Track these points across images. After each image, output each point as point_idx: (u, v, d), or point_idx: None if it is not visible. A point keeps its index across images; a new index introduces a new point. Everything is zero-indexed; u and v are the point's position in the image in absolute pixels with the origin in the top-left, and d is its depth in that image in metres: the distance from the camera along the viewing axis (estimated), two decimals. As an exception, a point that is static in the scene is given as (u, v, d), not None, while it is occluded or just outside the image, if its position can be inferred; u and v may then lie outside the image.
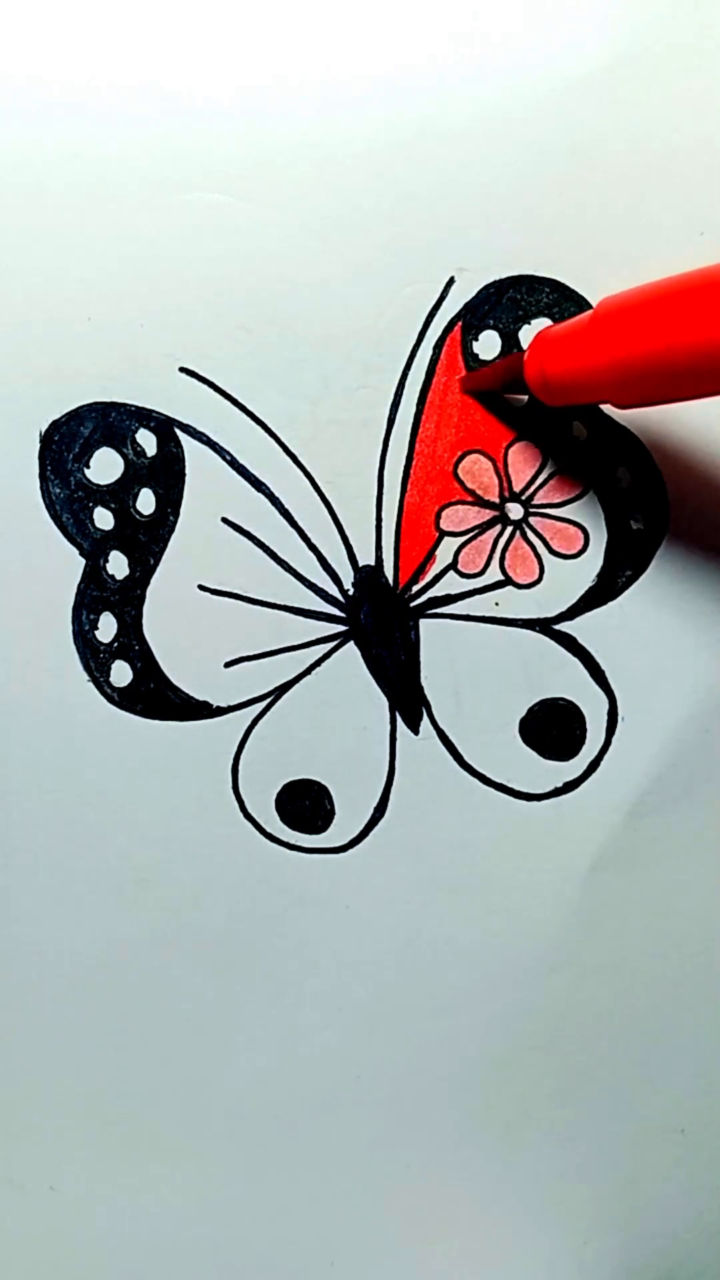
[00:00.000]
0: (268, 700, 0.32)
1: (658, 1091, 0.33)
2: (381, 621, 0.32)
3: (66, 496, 0.32)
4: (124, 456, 0.32)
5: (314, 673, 0.32)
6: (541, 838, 0.32)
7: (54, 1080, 0.34)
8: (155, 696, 0.32)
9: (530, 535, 0.31)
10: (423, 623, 0.32)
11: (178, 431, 0.32)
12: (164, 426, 0.32)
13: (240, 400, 0.31)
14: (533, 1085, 0.33)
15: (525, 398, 0.31)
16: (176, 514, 0.32)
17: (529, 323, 0.31)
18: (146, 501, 0.32)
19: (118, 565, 0.32)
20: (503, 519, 0.31)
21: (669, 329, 0.24)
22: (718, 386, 0.24)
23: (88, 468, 0.32)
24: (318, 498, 0.32)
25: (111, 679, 0.32)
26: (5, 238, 0.31)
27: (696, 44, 0.30)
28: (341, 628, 0.32)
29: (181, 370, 0.31)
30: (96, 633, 0.32)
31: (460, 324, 0.31)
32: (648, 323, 0.25)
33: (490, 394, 0.31)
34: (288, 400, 0.31)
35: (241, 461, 0.32)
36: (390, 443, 0.31)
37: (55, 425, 0.32)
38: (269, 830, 0.33)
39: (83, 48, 0.31)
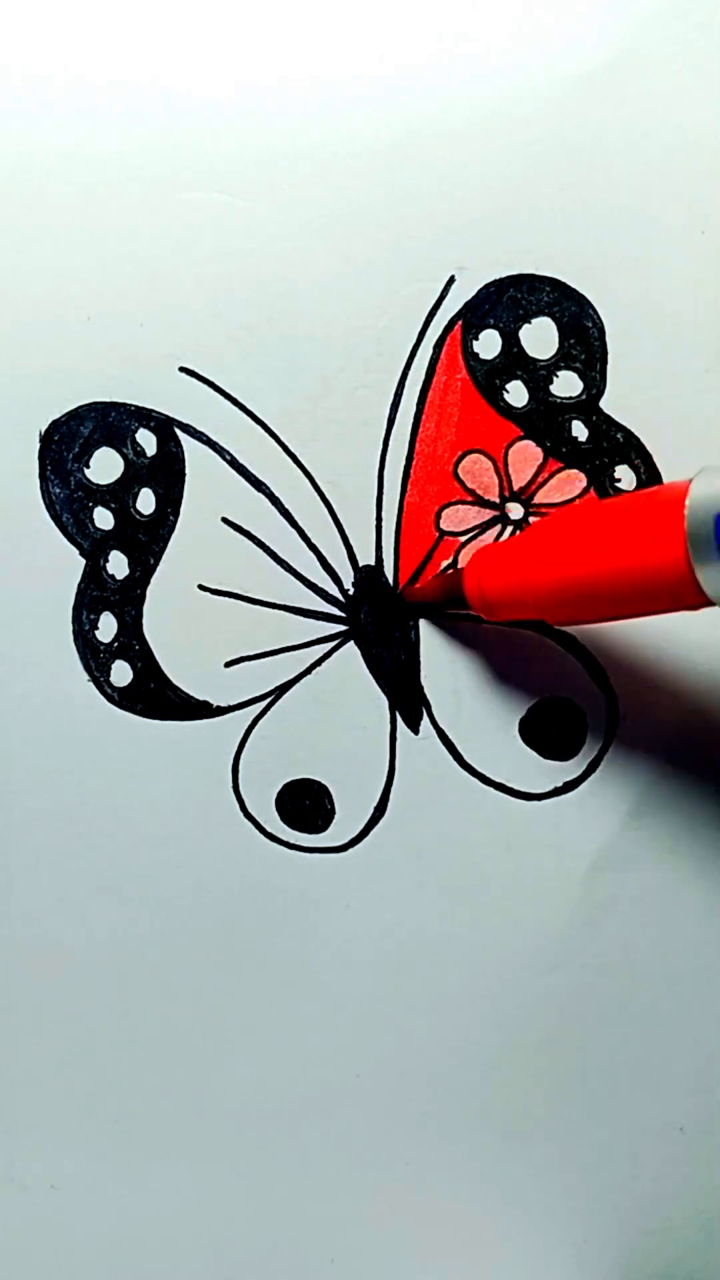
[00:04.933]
0: (268, 700, 0.32)
1: (657, 1089, 0.33)
2: (382, 621, 0.32)
3: (66, 496, 0.32)
4: (124, 456, 0.32)
5: (314, 672, 0.32)
6: (541, 838, 0.32)
7: (55, 1080, 0.34)
8: (155, 696, 0.32)
9: (530, 535, 0.31)
10: (423, 622, 0.32)
11: (178, 431, 0.32)
12: (164, 426, 0.32)
13: (240, 400, 0.31)
14: (532, 1083, 0.33)
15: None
16: (176, 514, 0.32)
17: (529, 322, 0.31)
18: (146, 501, 0.32)
19: (118, 565, 0.32)
20: (503, 519, 0.31)
21: (598, 551, 0.25)
22: (643, 608, 0.25)
23: (88, 468, 0.32)
24: (318, 498, 0.32)
25: (112, 679, 0.32)
26: (5, 238, 0.31)
27: (697, 43, 0.30)
28: (342, 627, 0.32)
29: (181, 370, 0.31)
30: (96, 633, 0.32)
31: (460, 323, 0.31)
32: (577, 544, 0.25)
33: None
34: (288, 400, 0.31)
35: (241, 461, 0.32)
36: (390, 442, 0.31)
37: (55, 425, 0.32)
38: (269, 830, 0.33)
39: (83, 47, 0.30)
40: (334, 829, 0.32)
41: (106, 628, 0.32)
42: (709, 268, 0.31)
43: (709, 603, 0.23)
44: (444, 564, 0.32)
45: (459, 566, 0.32)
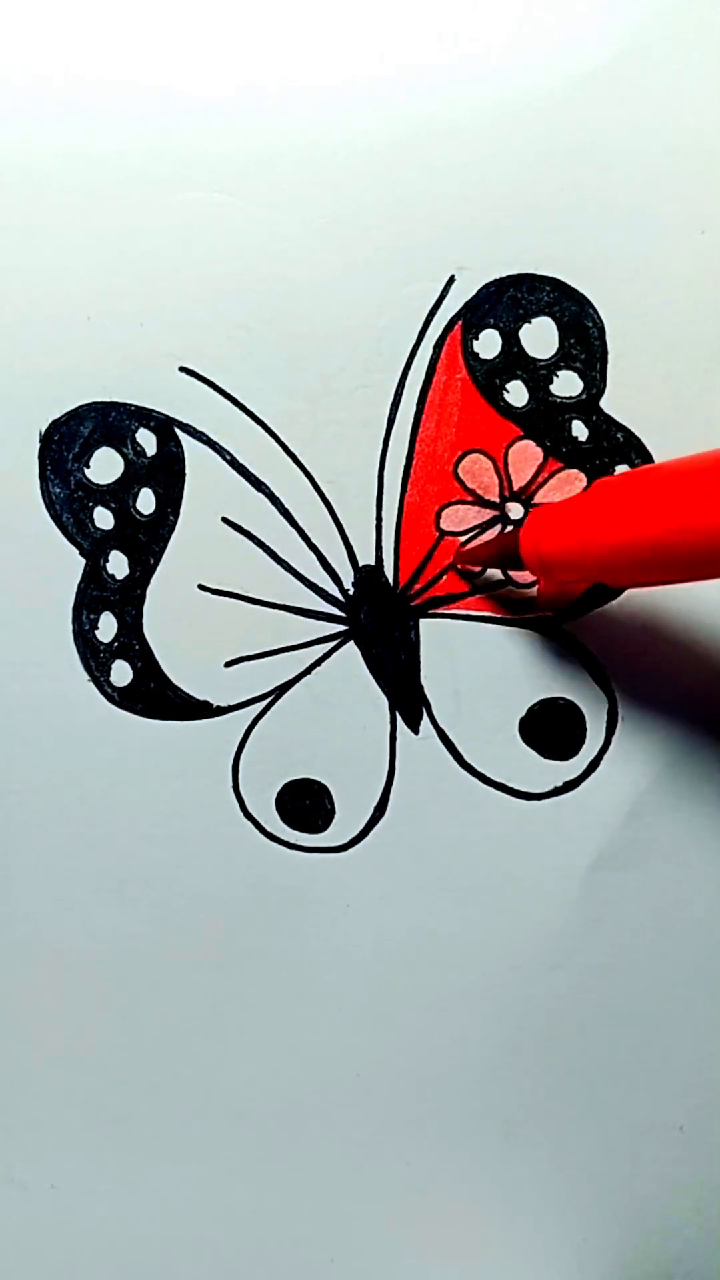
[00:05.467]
0: (268, 700, 0.32)
1: (656, 1088, 0.33)
2: (381, 621, 0.32)
3: (66, 496, 0.32)
4: (124, 456, 0.32)
5: (314, 672, 0.32)
6: (541, 837, 0.32)
7: (55, 1079, 0.34)
8: (155, 696, 0.32)
9: (530, 535, 0.31)
10: (423, 622, 0.32)
11: (178, 431, 0.32)
12: (164, 426, 0.32)
13: (240, 400, 0.31)
14: (532, 1082, 0.33)
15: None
16: (176, 514, 0.32)
17: (529, 321, 0.31)
18: (146, 501, 0.32)
19: (118, 565, 0.32)
20: (503, 518, 0.31)
21: (665, 512, 0.24)
22: (712, 571, 0.24)
23: (88, 467, 0.32)
24: (318, 497, 0.32)
25: (112, 679, 0.32)
26: (5, 237, 0.31)
27: (697, 43, 0.30)
28: (341, 627, 0.32)
29: (181, 370, 0.31)
30: (96, 632, 0.32)
31: (460, 323, 0.31)
32: (643, 505, 0.25)
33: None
34: (288, 400, 0.31)
35: (241, 461, 0.32)
36: (390, 442, 0.31)
37: (55, 425, 0.32)
38: (269, 830, 0.33)
39: (83, 47, 0.30)
40: (334, 829, 0.32)
41: (106, 628, 0.32)
42: (709, 268, 0.31)
43: None
44: (444, 564, 0.32)
45: (458, 566, 0.32)
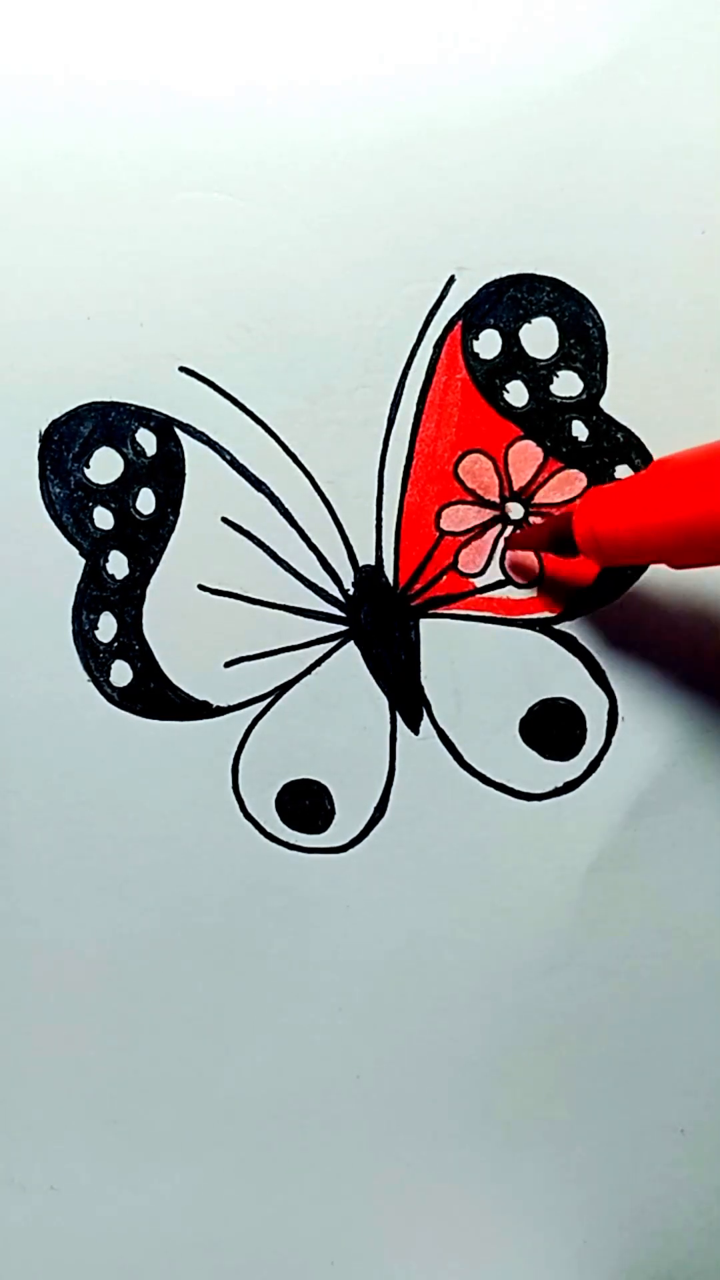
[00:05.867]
0: (268, 700, 0.32)
1: (657, 1091, 0.33)
2: (381, 621, 0.32)
3: (66, 496, 0.32)
4: (124, 456, 0.32)
5: (314, 673, 0.32)
6: (541, 838, 0.32)
7: (54, 1080, 0.34)
8: (155, 696, 0.32)
9: (530, 535, 0.31)
10: (423, 622, 0.32)
11: (177, 431, 0.32)
12: (164, 426, 0.32)
13: (240, 400, 0.31)
14: (532, 1084, 0.33)
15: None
16: (176, 514, 0.32)
17: (529, 321, 0.31)
18: (146, 501, 0.32)
19: (118, 565, 0.32)
20: (503, 518, 0.31)
21: None
22: None
23: (88, 467, 0.32)
24: (318, 497, 0.32)
25: (111, 679, 0.32)
26: (5, 237, 0.31)
27: (697, 43, 0.30)
28: (341, 627, 0.32)
29: (181, 370, 0.31)
30: (96, 633, 0.32)
31: (460, 323, 0.31)
32: (708, 484, 0.25)
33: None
34: (288, 400, 0.31)
35: (241, 461, 0.32)
36: (390, 442, 0.31)
37: (55, 425, 0.32)
38: (269, 830, 0.33)
39: (83, 47, 0.31)
40: (334, 829, 0.32)
41: (106, 628, 0.32)
42: (709, 268, 0.31)
43: None
44: (444, 564, 0.32)
45: (458, 566, 0.32)
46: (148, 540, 0.32)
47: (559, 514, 0.30)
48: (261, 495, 0.32)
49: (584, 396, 0.31)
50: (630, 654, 0.31)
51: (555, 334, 0.31)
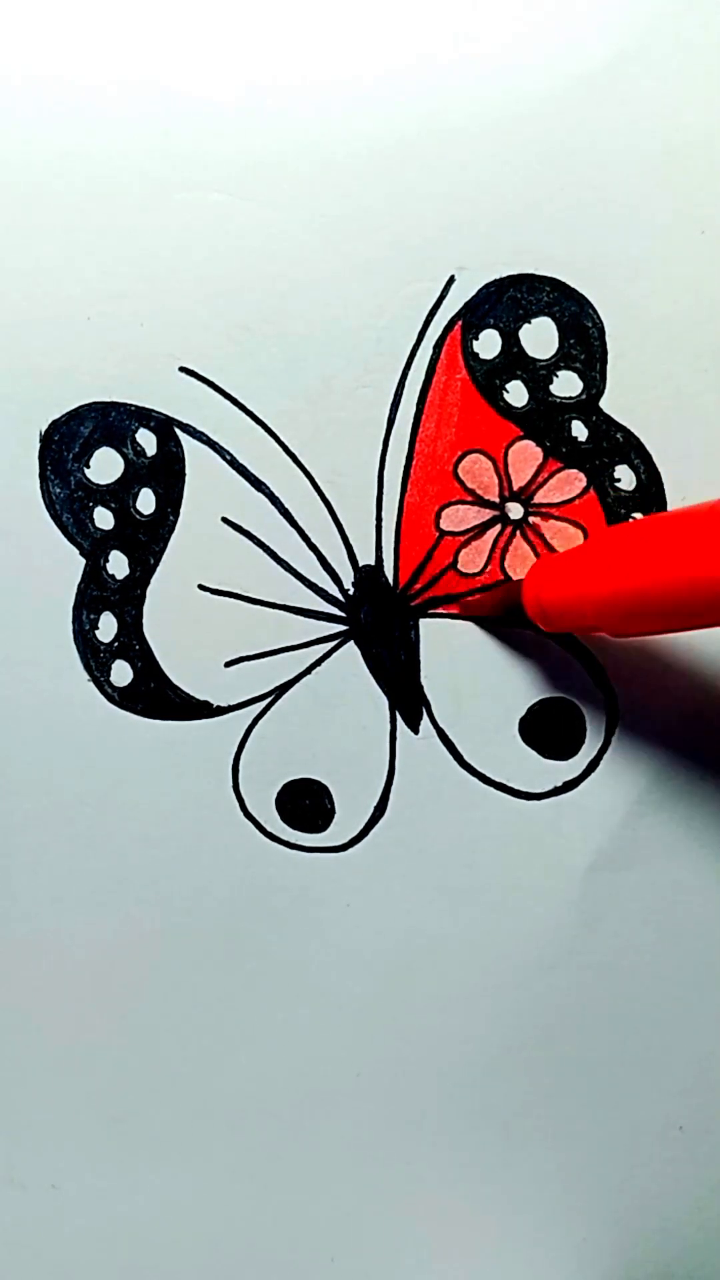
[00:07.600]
0: (268, 700, 0.32)
1: (656, 1089, 0.33)
2: (381, 621, 0.32)
3: (66, 496, 0.32)
4: (124, 456, 0.32)
5: (314, 672, 0.32)
6: (541, 837, 0.32)
7: (55, 1079, 0.34)
8: (155, 696, 0.32)
9: (530, 535, 0.31)
10: (423, 622, 0.32)
11: (178, 431, 0.32)
12: (164, 426, 0.32)
13: (240, 400, 0.31)
14: (532, 1082, 0.33)
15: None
16: (176, 514, 0.32)
17: (529, 321, 0.31)
18: (146, 501, 0.32)
19: (118, 565, 0.32)
20: (503, 518, 0.31)
21: (665, 562, 0.24)
22: (711, 620, 0.24)
23: (88, 467, 0.32)
24: (318, 498, 0.32)
25: (112, 679, 0.32)
26: (5, 237, 0.31)
27: (697, 43, 0.30)
28: (341, 627, 0.32)
29: (181, 370, 0.31)
30: (96, 632, 0.32)
31: (460, 323, 0.31)
32: (643, 555, 0.25)
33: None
34: (288, 400, 0.31)
35: (241, 461, 0.32)
36: (390, 442, 0.31)
37: (55, 425, 0.32)
38: (269, 829, 0.33)
39: (82, 47, 0.30)
40: (334, 829, 0.32)
41: (106, 628, 0.32)
42: (709, 268, 0.31)
43: None
44: (444, 564, 0.32)
45: (458, 566, 0.32)
46: (148, 540, 0.32)
47: (510, 584, 0.31)
48: (261, 495, 0.32)
49: (584, 396, 0.31)
50: (630, 654, 0.31)
51: (555, 334, 0.31)
